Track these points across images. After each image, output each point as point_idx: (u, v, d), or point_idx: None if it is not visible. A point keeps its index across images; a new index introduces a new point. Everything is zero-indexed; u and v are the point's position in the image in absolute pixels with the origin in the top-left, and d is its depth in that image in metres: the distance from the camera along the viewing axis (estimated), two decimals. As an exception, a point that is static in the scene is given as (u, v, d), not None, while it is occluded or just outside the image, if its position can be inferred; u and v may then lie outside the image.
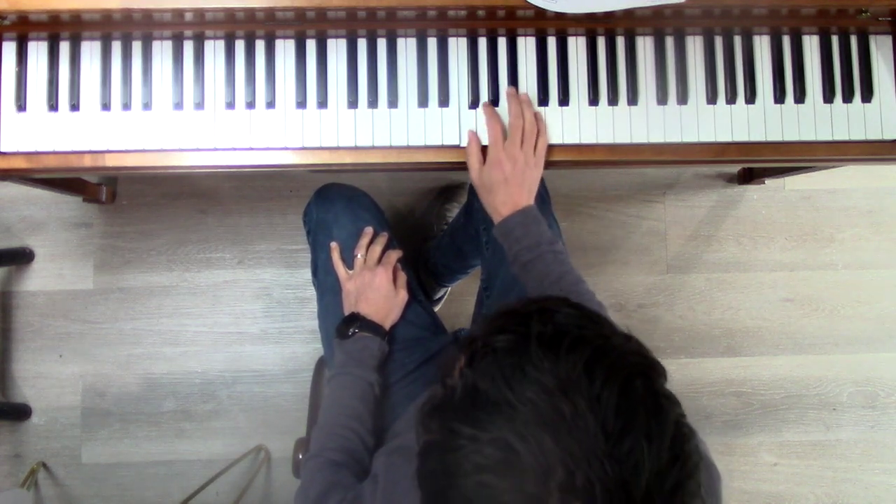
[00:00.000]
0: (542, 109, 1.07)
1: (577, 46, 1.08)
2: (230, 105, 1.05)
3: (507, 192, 1.01)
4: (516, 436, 0.52)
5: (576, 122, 1.07)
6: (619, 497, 0.50)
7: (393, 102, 1.06)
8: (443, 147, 1.06)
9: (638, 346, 0.58)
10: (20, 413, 1.69)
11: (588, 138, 1.07)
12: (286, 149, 1.05)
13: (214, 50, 1.05)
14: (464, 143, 1.06)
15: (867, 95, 1.08)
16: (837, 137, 1.08)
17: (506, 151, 1.02)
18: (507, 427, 0.52)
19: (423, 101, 1.06)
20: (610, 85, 1.07)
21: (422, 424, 0.58)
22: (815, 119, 1.08)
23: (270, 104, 1.05)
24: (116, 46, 1.05)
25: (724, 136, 1.08)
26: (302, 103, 1.05)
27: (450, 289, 1.72)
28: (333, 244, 1.16)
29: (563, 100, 1.07)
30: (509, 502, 0.51)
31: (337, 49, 1.06)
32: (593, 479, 0.50)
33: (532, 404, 0.52)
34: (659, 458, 0.52)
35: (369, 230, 1.17)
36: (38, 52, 1.04)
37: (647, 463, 0.51)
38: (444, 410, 0.56)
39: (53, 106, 1.04)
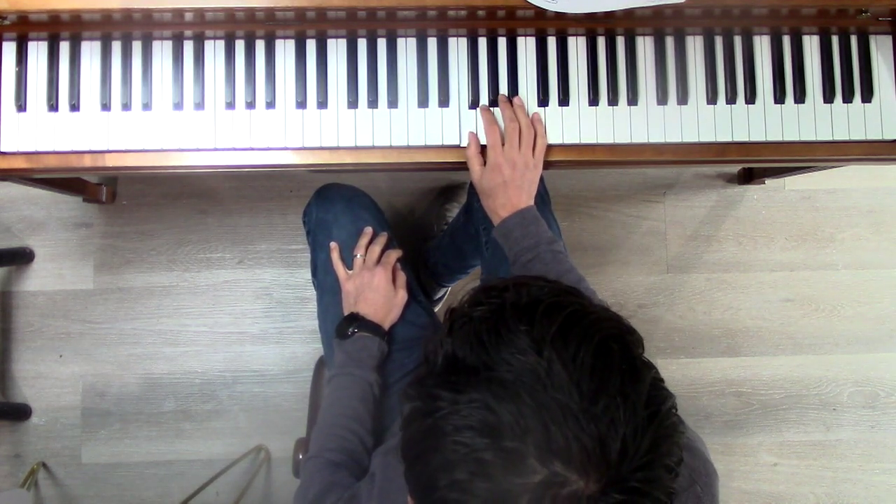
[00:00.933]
0: (541, 110, 1.07)
1: (577, 46, 1.08)
2: (230, 105, 1.05)
3: (506, 195, 1.02)
4: (494, 396, 0.52)
5: (576, 123, 1.07)
6: (596, 453, 0.50)
7: (393, 102, 1.06)
8: (443, 147, 1.06)
9: (616, 315, 0.59)
10: (20, 413, 1.69)
11: (588, 138, 1.07)
12: (286, 149, 1.05)
13: (214, 50, 1.05)
14: (464, 144, 1.06)
15: (867, 95, 1.08)
16: (837, 137, 1.08)
17: (504, 156, 1.02)
18: (485, 388, 0.53)
19: (423, 102, 1.06)
20: (610, 85, 1.07)
21: (404, 394, 0.59)
22: (815, 119, 1.08)
23: (270, 104, 1.05)
24: (116, 46, 1.05)
25: (724, 136, 1.08)
26: (302, 103, 1.05)
27: (450, 289, 1.72)
28: (333, 244, 1.16)
29: (563, 100, 1.07)
30: (488, 460, 0.51)
31: (337, 49, 1.06)
32: (569, 435, 0.50)
33: (507, 365, 0.53)
34: (635, 415, 0.52)
35: (369, 230, 1.17)
36: (38, 52, 1.04)
37: (623, 420, 0.51)
38: (425, 380, 0.57)
39: (53, 106, 1.04)
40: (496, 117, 1.05)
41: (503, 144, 1.03)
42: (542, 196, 1.22)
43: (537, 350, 0.53)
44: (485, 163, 1.04)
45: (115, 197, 1.74)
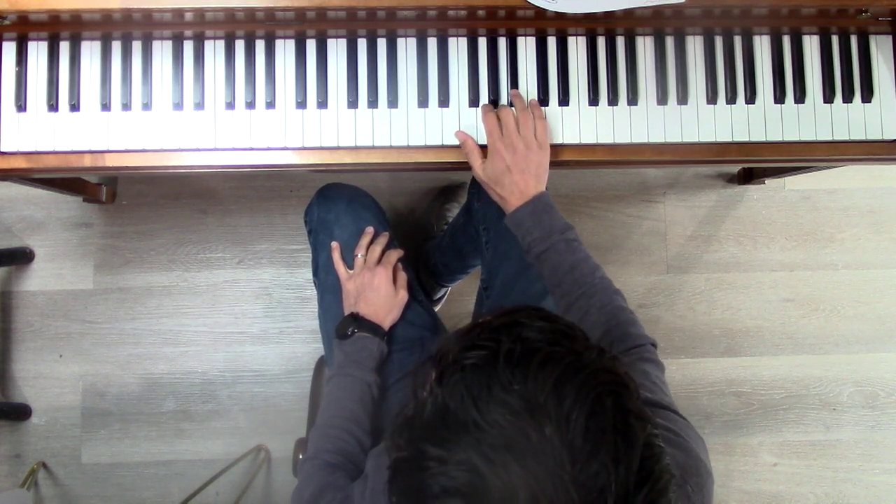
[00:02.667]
0: (542, 110, 1.07)
1: (577, 46, 1.08)
2: (230, 105, 1.05)
3: (513, 180, 0.99)
4: (482, 458, 0.51)
5: (576, 123, 1.07)
6: None
7: (393, 102, 1.06)
8: (443, 147, 1.06)
9: (611, 362, 0.57)
10: (20, 413, 1.69)
11: (588, 138, 1.07)
12: (286, 149, 1.05)
13: (214, 50, 1.05)
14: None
15: (867, 95, 1.08)
16: (837, 137, 1.08)
17: (503, 141, 1.00)
18: (474, 449, 0.52)
19: (423, 102, 1.06)
20: (610, 85, 1.07)
21: (391, 440, 0.58)
22: (815, 119, 1.08)
23: (270, 104, 1.05)
24: (116, 46, 1.05)
25: (724, 136, 1.08)
26: (302, 103, 1.05)
27: (450, 289, 1.72)
28: (334, 244, 1.16)
29: (564, 100, 1.07)
30: None
31: (337, 49, 1.06)
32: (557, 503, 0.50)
33: (499, 427, 0.52)
34: (626, 481, 0.51)
35: (370, 230, 1.17)
36: (38, 52, 1.04)
37: (614, 486, 0.51)
38: (414, 428, 0.56)
39: (53, 106, 1.04)
40: (491, 108, 1.04)
41: (500, 131, 1.01)
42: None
43: (530, 412, 0.52)
44: (486, 155, 1.02)
45: (115, 197, 1.74)
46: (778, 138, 1.08)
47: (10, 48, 1.04)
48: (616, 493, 0.51)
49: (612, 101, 1.07)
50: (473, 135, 1.05)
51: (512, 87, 1.07)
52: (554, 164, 1.07)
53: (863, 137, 1.08)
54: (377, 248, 1.15)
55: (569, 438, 0.51)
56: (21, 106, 1.04)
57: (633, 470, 0.52)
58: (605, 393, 0.54)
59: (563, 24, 1.07)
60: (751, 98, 1.08)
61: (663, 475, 0.54)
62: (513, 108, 1.04)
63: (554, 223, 0.99)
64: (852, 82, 1.08)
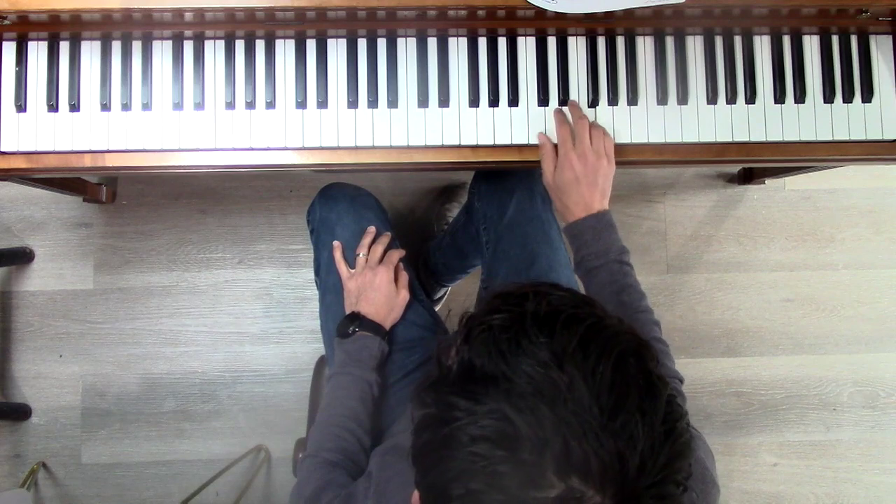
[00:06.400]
0: (542, 110, 1.07)
1: (577, 46, 1.08)
2: (230, 105, 1.05)
3: (579, 192, 1.00)
4: (512, 407, 0.52)
5: (576, 122, 1.07)
6: (614, 469, 0.50)
7: (393, 102, 1.06)
8: (443, 147, 1.06)
9: (630, 328, 0.58)
10: (20, 413, 1.69)
11: (588, 138, 1.07)
12: (286, 149, 1.05)
13: (214, 50, 1.05)
14: (464, 143, 1.06)
15: (867, 95, 1.08)
16: (837, 137, 1.08)
17: (575, 150, 1.00)
18: (504, 398, 0.52)
19: (423, 102, 1.06)
20: (610, 85, 1.07)
21: (417, 399, 0.58)
22: (815, 119, 1.08)
23: (270, 104, 1.05)
24: (116, 46, 1.05)
25: (725, 136, 1.08)
26: (302, 103, 1.05)
27: (450, 289, 1.72)
28: (336, 243, 1.16)
29: (564, 100, 1.07)
30: (505, 472, 0.51)
31: (337, 49, 1.06)
32: (588, 451, 0.50)
33: (528, 377, 0.53)
34: (653, 432, 0.52)
35: (372, 229, 1.17)
36: (38, 52, 1.04)
37: (642, 437, 0.51)
38: (440, 385, 0.56)
39: (53, 106, 1.04)
40: (567, 117, 1.04)
41: (573, 141, 1.02)
42: (543, 196, 1.22)
43: (558, 363, 0.53)
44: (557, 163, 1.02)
45: (115, 197, 1.74)
46: (778, 138, 1.08)
47: (10, 48, 1.04)
48: (644, 443, 0.51)
49: (612, 101, 1.07)
50: (474, 135, 1.06)
51: (512, 88, 1.06)
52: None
53: (863, 137, 1.08)
54: (379, 248, 1.15)
55: (596, 391, 0.52)
56: (21, 106, 1.04)
57: (659, 422, 0.53)
58: (628, 352, 0.55)
59: (563, 24, 1.06)
60: (751, 98, 1.08)
61: (685, 432, 0.55)
62: (568, 116, 1.04)
63: (612, 243, 1.00)
64: (852, 82, 1.08)
